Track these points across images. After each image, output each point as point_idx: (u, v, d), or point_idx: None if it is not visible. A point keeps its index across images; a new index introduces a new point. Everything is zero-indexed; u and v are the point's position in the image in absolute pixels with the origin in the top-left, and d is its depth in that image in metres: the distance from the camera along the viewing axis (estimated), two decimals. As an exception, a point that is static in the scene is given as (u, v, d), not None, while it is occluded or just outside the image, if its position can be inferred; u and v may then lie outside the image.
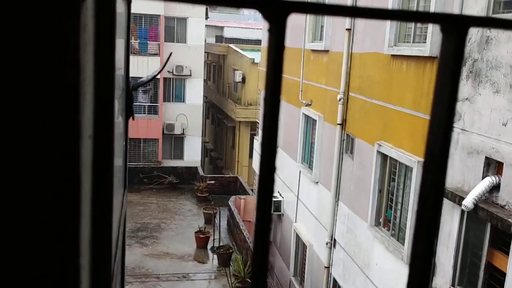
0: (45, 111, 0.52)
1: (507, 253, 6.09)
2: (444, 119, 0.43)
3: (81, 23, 0.52)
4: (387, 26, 8.84)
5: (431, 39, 7.53)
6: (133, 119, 1.78)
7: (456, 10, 7.01)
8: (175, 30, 26.96)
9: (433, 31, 7.52)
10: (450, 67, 0.42)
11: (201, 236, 17.96)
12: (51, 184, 0.54)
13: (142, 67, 25.13)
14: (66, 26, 0.50)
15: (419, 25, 8.28)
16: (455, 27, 0.42)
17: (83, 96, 0.55)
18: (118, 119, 1.41)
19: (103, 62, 0.71)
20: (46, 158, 0.53)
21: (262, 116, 0.39)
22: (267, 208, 0.42)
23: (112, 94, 0.80)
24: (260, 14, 0.37)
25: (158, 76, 25.82)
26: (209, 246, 18.00)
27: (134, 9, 25.06)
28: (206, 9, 27.89)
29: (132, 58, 26.04)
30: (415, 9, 8.33)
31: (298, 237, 13.58)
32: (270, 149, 0.39)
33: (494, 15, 6.45)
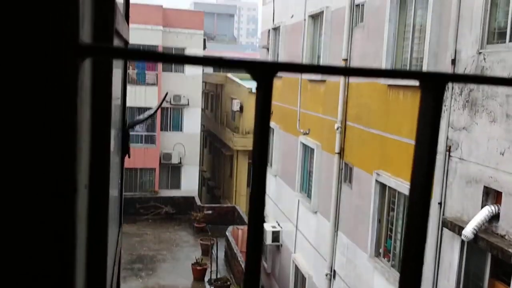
0: (42, 164, 0.54)
1: (508, 284, 6.00)
2: (425, 169, 0.45)
3: (79, 82, 0.54)
4: (383, 56, 8.94)
5: (427, 69, 7.60)
6: (129, 157, 1.76)
7: (451, 41, 7.09)
8: (173, 61, 27.20)
9: (428, 61, 7.60)
10: (429, 121, 0.45)
11: (198, 268, 17.71)
12: (46, 235, 0.55)
13: (140, 96, 25.28)
14: (65, 85, 0.52)
15: (415, 55, 8.38)
16: (433, 84, 0.45)
17: (79, 153, 0.57)
18: (114, 159, 1.40)
19: (99, 118, 0.73)
20: (42, 209, 0.54)
21: (252, 175, 0.39)
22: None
23: (108, 146, 0.82)
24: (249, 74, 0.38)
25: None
26: (206, 279, 17.72)
27: (132, 40, 25.32)
28: (204, 39, 28.26)
29: (129, 88, 26.26)
30: (410, 41, 8.43)
31: (297, 268, 13.40)
32: (257, 215, 0.38)
33: (488, 45, 6.52)
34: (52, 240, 0.55)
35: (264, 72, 0.37)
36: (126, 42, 1.72)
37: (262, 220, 0.42)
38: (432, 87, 0.45)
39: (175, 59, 0.36)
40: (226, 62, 0.36)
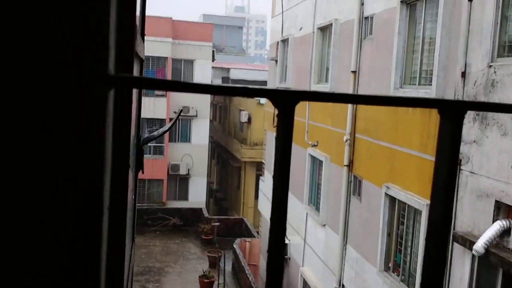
0: (73, 191, 0.55)
1: (522, 301, 5.90)
2: (442, 200, 0.45)
3: (108, 111, 0.56)
4: (393, 69, 8.92)
5: (437, 82, 7.56)
6: (142, 172, 1.76)
7: (461, 55, 7.05)
8: (182, 72, 27.38)
9: (438, 74, 7.56)
10: (448, 150, 0.44)
11: (205, 280, 17.61)
12: (75, 255, 0.56)
13: (149, 108, 25.39)
14: (95, 114, 0.54)
15: (424, 67, 8.35)
16: (452, 112, 0.44)
17: (105, 174, 0.59)
18: (129, 175, 1.39)
19: (119, 142, 0.74)
20: (71, 237, 0.56)
21: (271, 206, 0.38)
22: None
23: (126, 169, 0.84)
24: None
25: (165, 117, 26.03)
26: (213, 291, 17.62)
27: (142, 52, 25.54)
28: (213, 51, 28.42)
29: (139, 100, 26.11)
30: (419, 54, 8.41)
31: (305, 282, 13.28)
32: (277, 239, 0.38)
33: (499, 58, 6.48)
34: (81, 265, 0.56)
35: (286, 101, 0.36)
36: (142, 60, 1.73)
37: (281, 254, 0.40)
38: (451, 115, 0.44)
39: (196, 88, 0.35)
40: (247, 90, 0.34)
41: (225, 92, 0.34)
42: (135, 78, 0.46)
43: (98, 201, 0.56)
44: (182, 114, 27.03)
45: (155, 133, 2.69)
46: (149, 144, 26.80)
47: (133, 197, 1.68)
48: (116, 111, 0.69)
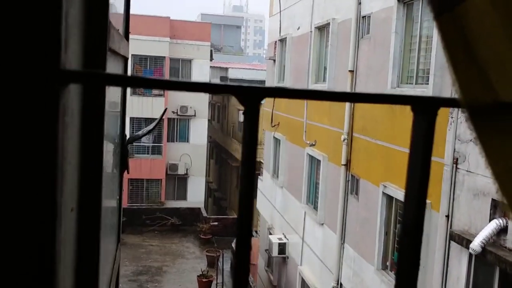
0: (22, 190, 0.53)
1: (519, 299, 5.91)
2: (416, 194, 0.45)
3: (60, 109, 0.53)
4: (390, 68, 8.93)
5: (434, 81, 7.57)
6: (128, 172, 1.75)
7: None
8: (180, 71, 27.36)
9: (435, 73, 7.58)
10: (421, 146, 0.45)
11: (204, 280, 17.62)
12: (27, 262, 0.54)
13: (147, 107, 25.38)
14: (45, 110, 0.52)
15: (421, 66, 8.36)
16: (425, 109, 0.45)
17: (61, 176, 0.57)
18: (113, 173, 1.39)
19: (90, 140, 0.73)
20: (22, 239, 0.54)
21: (239, 192, 0.39)
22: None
23: (100, 168, 0.81)
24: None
25: (163, 117, 26.00)
26: (212, 290, 17.63)
27: (139, 51, 25.59)
28: (211, 50, 28.41)
29: (137, 99, 26.25)
30: (416, 53, 8.42)
31: (303, 281, 13.30)
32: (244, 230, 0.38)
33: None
34: (32, 266, 0.54)
35: (251, 98, 0.37)
36: (125, 59, 1.72)
37: (250, 233, 0.41)
38: (424, 112, 0.44)
39: (158, 84, 0.36)
40: (212, 87, 0.35)
41: (185, 88, 0.34)
42: (89, 74, 0.46)
43: (51, 202, 0.54)
44: (181, 113, 27.03)
45: (139, 132, 2.69)
46: (147, 144, 26.80)
47: (118, 197, 1.67)
48: (85, 109, 0.68)
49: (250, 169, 0.38)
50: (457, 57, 0.46)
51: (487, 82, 0.44)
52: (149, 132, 2.77)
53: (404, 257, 0.45)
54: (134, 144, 25.87)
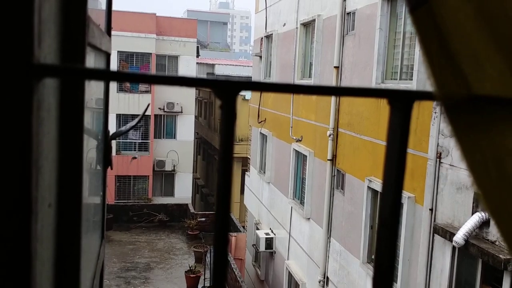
0: None
1: (500, 290, 6.04)
2: (393, 186, 0.46)
3: (34, 103, 0.53)
4: (374, 64, 9.01)
5: (418, 76, 7.67)
6: (111, 168, 1.77)
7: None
8: (166, 68, 27.24)
9: (418, 69, 7.67)
10: (398, 139, 0.45)
11: (192, 275, 17.63)
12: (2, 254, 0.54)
13: (133, 104, 25.25)
14: (16, 109, 0.51)
15: (405, 62, 8.45)
16: (401, 102, 0.46)
17: (36, 172, 0.56)
18: (96, 169, 1.40)
19: (69, 135, 0.73)
20: None
21: (216, 185, 0.41)
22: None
23: (79, 163, 0.81)
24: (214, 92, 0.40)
25: (149, 113, 25.92)
26: (200, 286, 17.65)
27: (126, 47, 25.41)
28: (197, 47, 28.31)
29: (123, 96, 26.00)
30: (400, 49, 8.51)
31: (290, 275, 13.38)
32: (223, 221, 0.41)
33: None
34: (5, 263, 0.54)
35: (227, 91, 0.39)
36: (107, 54, 1.74)
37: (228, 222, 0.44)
38: (400, 105, 0.46)
39: (134, 77, 0.38)
40: (189, 80, 0.38)
41: (162, 82, 0.37)
42: (63, 68, 0.47)
43: (25, 197, 0.53)
44: (167, 110, 26.92)
45: (123, 128, 2.70)
46: (134, 141, 26.66)
47: (102, 193, 1.69)
48: (63, 104, 0.69)
49: (227, 164, 0.41)
50: (431, 50, 0.46)
51: (461, 75, 0.45)
52: (132, 127, 2.77)
53: (381, 247, 0.48)
54: (121, 141, 25.73)
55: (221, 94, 0.41)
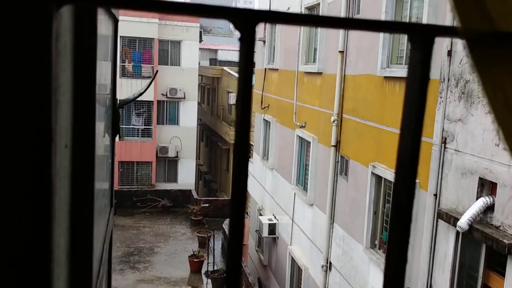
0: (15, 118, 0.53)
1: (503, 274, 6.04)
2: (413, 126, 0.45)
3: (53, 32, 0.52)
4: (379, 48, 8.93)
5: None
6: (119, 137, 1.76)
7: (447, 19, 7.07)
8: (169, 53, 27.14)
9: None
10: (418, 75, 0.44)
11: (195, 260, 17.75)
12: (22, 190, 0.54)
13: (137, 89, 25.17)
14: (36, 36, 0.51)
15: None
16: (421, 37, 0.44)
17: (55, 104, 0.56)
18: (105, 137, 1.39)
19: (83, 71, 0.72)
20: (18, 164, 0.53)
21: (235, 122, 0.39)
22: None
23: (93, 102, 0.80)
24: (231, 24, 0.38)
25: (152, 99, 25.88)
26: (203, 271, 17.77)
27: (128, 33, 25.31)
28: (200, 32, 28.17)
29: (126, 81, 25.99)
30: (405, 41, 8.41)
31: (293, 261, 13.44)
32: (242, 155, 0.39)
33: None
34: (26, 203, 0.54)
35: (247, 21, 0.38)
36: (116, 20, 1.71)
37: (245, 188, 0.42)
38: (421, 40, 0.44)
39: (149, 4, 0.36)
40: (206, 8, 0.36)
41: (176, 11, 0.35)
42: None
43: (44, 127, 0.53)
44: (170, 96, 26.88)
45: (130, 96, 2.70)
46: (137, 127, 26.67)
47: (110, 161, 1.68)
48: (77, 37, 0.68)
49: (246, 100, 0.39)
50: None
51: (484, 10, 0.44)
52: (140, 94, 2.77)
53: (393, 226, 0.46)
54: (124, 127, 25.73)
55: (240, 24, 0.39)
